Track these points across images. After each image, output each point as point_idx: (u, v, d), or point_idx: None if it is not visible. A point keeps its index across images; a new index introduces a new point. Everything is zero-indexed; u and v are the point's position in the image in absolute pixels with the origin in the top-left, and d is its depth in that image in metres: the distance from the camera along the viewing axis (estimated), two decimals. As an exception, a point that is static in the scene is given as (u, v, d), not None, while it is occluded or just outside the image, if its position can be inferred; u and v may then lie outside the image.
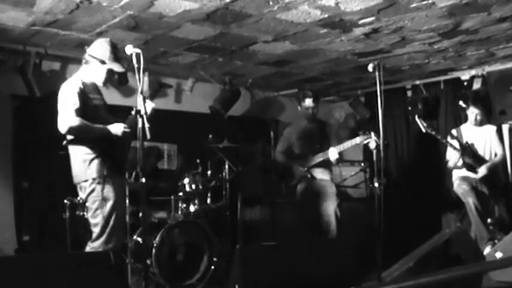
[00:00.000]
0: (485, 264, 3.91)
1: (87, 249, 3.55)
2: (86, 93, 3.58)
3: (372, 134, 4.53)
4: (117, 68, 3.67)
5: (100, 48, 3.65)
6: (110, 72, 3.68)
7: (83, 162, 3.54)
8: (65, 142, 3.58)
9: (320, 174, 5.11)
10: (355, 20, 4.64)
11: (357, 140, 4.72)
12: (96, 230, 3.53)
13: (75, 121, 3.44)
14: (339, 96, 7.90)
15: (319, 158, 5.05)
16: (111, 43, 3.70)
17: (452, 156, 5.30)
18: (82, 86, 3.56)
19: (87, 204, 3.64)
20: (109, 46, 3.66)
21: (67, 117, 3.44)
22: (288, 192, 5.30)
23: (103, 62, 3.63)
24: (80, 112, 3.46)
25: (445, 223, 5.73)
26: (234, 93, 6.83)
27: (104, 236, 3.50)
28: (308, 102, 5.20)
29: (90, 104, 3.58)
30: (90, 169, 3.53)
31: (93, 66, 3.66)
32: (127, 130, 3.57)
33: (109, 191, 3.54)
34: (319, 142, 5.13)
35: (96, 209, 3.52)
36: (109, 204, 3.53)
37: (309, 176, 5.04)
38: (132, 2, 4.17)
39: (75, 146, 3.57)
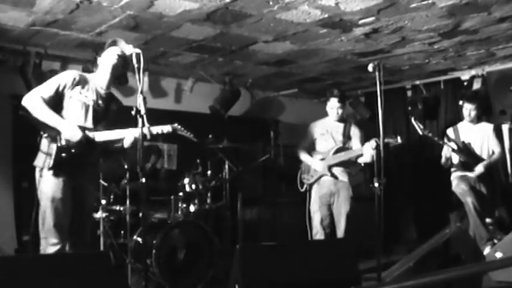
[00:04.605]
0: (485, 264, 3.91)
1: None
2: (75, 86, 3.51)
3: (398, 138, 4.51)
4: (117, 50, 3.61)
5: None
6: (112, 48, 3.61)
7: (40, 145, 3.42)
8: (20, 112, 3.45)
9: (339, 174, 5.00)
10: (355, 20, 4.64)
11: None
12: (40, 221, 3.40)
13: (33, 102, 3.40)
14: (339, 96, 7.89)
15: (341, 157, 4.95)
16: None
17: (446, 154, 5.26)
18: (76, 78, 3.53)
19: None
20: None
21: (31, 94, 3.43)
22: (302, 192, 5.18)
23: (114, 42, 3.63)
24: (48, 100, 3.42)
25: (446, 223, 5.72)
26: (234, 93, 6.84)
27: (43, 232, 3.36)
28: (333, 101, 5.05)
29: (72, 96, 3.50)
30: (40, 156, 3.41)
31: (100, 63, 3.64)
32: (77, 136, 3.40)
33: (46, 186, 3.36)
34: (342, 141, 5.07)
35: (38, 204, 3.37)
36: (44, 198, 3.36)
37: (329, 174, 4.96)
38: (132, 2, 4.17)
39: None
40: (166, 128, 3.63)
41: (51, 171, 3.37)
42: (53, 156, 3.36)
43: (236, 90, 6.88)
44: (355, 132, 5.10)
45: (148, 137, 3.29)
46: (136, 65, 3.30)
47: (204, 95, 6.86)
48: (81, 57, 5.53)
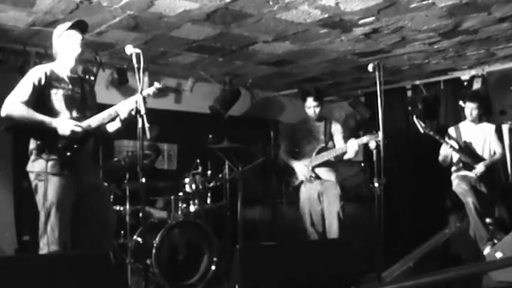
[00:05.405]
0: (485, 264, 3.91)
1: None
2: (49, 81, 3.38)
3: (379, 133, 4.34)
4: (68, 25, 3.45)
5: (55, 33, 3.54)
6: (72, 33, 3.45)
7: (29, 151, 3.33)
8: (3, 127, 3.30)
9: (325, 174, 4.96)
10: (355, 20, 4.64)
11: (364, 139, 4.58)
12: (40, 228, 3.31)
13: (16, 110, 3.23)
14: (339, 96, 7.90)
15: (324, 156, 4.90)
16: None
17: (443, 152, 5.26)
18: (47, 73, 3.38)
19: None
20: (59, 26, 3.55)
21: (10, 103, 3.26)
22: (291, 192, 5.17)
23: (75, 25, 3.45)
24: (30, 103, 3.26)
25: (446, 223, 5.72)
26: (234, 93, 6.84)
27: (45, 238, 3.27)
28: (309, 101, 4.98)
29: (51, 93, 3.37)
30: (33, 161, 3.31)
31: (60, 49, 3.50)
32: (77, 130, 3.31)
33: (50, 191, 3.24)
34: (324, 141, 5.03)
35: (40, 208, 3.29)
36: (48, 204, 3.24)
37: (313, 175, 4.92)
38: (132, 2, 4.17)
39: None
40: (152, 89, 3.51)
41: (55, 175, 3.26)
42: (57, 159, 3.26)
43: (236, 90, 6.88)
44: (336, 129, 5.07)
45: (148, 136, 3.27)
46: (136, 65, 3.29)
47: (204, 95, 6.86)
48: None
